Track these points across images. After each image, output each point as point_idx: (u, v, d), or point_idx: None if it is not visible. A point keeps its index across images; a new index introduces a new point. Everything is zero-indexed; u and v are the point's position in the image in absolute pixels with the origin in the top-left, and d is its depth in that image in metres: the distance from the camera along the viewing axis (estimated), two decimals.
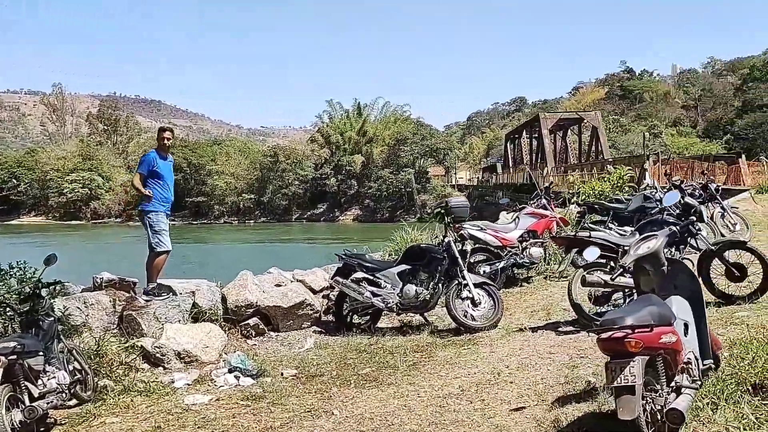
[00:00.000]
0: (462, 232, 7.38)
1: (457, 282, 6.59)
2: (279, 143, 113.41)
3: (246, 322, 6.84)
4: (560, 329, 6.04)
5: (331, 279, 7.36)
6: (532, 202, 9.48)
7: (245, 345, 6.58)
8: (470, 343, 5.99)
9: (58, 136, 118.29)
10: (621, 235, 6.81)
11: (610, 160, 26.51)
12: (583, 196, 12.42)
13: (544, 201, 9.37)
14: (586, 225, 9.41)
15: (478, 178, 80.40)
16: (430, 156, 77.10)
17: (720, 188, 9.07)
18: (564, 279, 8.71)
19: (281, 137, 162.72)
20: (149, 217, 6.93)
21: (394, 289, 6.82)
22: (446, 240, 6.86)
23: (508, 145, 61.61)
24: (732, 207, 10.39)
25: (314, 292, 7.76)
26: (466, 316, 6.44)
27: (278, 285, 7.44)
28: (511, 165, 58.43)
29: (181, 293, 7.01)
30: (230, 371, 5.66)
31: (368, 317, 7.14)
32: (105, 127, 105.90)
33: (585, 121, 46.53)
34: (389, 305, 6.80)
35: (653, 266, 3.92)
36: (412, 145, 74.89)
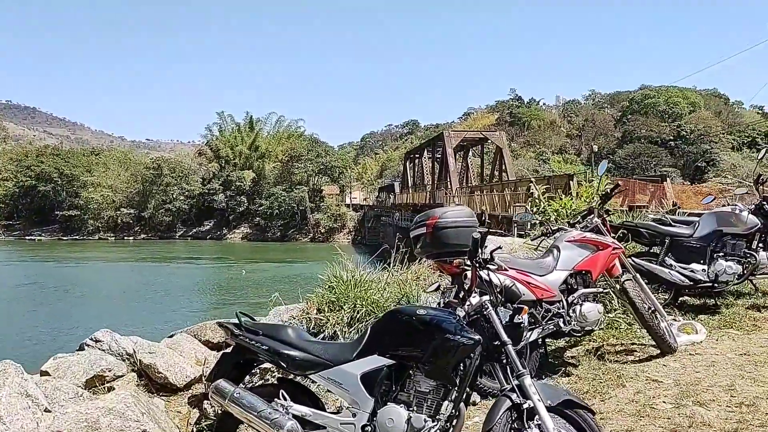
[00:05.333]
0: (465, 270, 3.52)
1: (509, 403, 2.89)
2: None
3: None
4: None
5: (209, 386, 3.42)
6: (575, 222, 5.58)
7: None
8: None
9: None
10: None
11: (533, 179, 24.57)
12: (550, 217, 9.57)
13: (597, 220, 5.47)
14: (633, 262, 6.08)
15: (374, 197, 78.49)
16: (325, 174, 75.32)
17: None
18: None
19: (168, 151, 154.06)
20: None
21: (354, 416, 3.14)
22: (475, 300, 3.03)
23: (407, 164, 59.77)
24: None
25: (176, 391, 4.27)
26: None
27: (90, 389, 3.89)
28: (410, 185, 56.54)
29: None
30: None
31: None
32: None
33: (489, 141, 45.37)
34: None
35: None
36: (306, 162, 73.06)
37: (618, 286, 5.29)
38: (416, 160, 57.15)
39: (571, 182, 20.02)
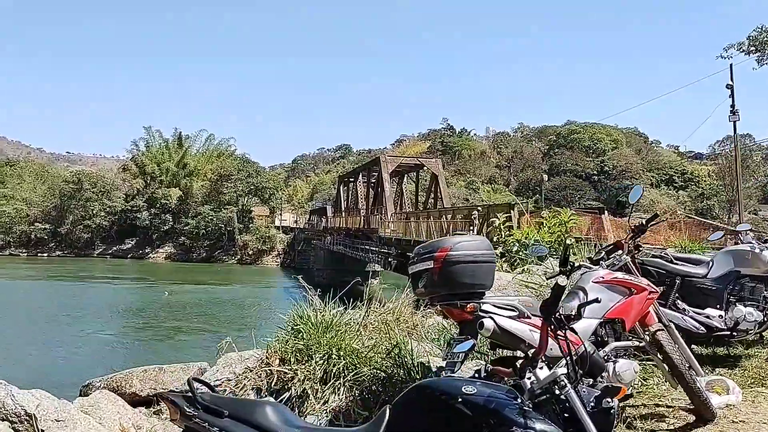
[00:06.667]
0: (480, 317, 2.94)
1: None
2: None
3: None
4: None
5: None
6: (599, 258, 4.53)
7: None
8: None
9: None
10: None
11: (478, 207, 24.42)
12: (512, 247, 8.99)
13: (626, 257, 4.60)
14: None
15: (305, 220, 77.43)
16: (255, 195, 73.92)
17: None
18: None
19: (89, 165, 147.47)
20: None
21: None
22: (542, 373, 2.13)
23: (341, 187, 59.13)
24: None
25: None
26: None
27: None
28: (343, 208, 55.84)
29: None
30: None
31: None
32: None
33: (424, 167, 45.43)
34: None
35: None
36: (236, 181, 71.52)
37: (649, 338, 4.27)
38: (350, 184, 56.60)
39: (512, 212, 19.85)
